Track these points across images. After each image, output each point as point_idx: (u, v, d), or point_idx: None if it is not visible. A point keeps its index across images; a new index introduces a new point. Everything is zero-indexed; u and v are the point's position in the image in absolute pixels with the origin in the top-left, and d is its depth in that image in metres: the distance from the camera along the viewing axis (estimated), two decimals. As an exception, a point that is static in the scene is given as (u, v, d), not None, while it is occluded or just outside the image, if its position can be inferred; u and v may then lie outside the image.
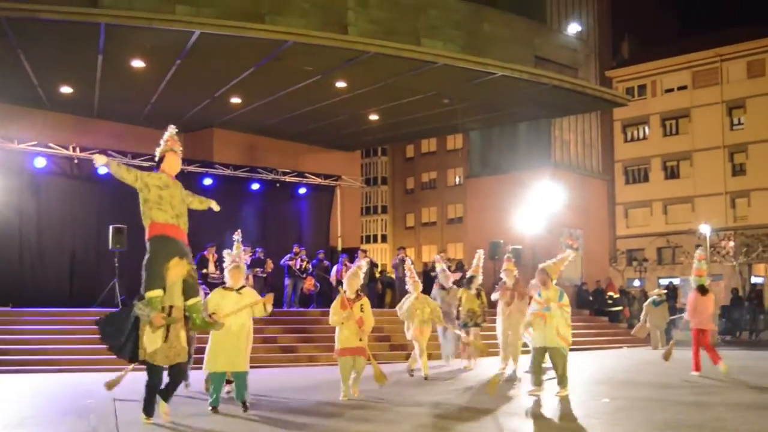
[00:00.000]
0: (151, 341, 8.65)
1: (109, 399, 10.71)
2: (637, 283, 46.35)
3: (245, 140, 26.96)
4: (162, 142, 9.56)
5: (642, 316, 22.70)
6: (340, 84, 22.36)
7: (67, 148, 21.92)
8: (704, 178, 50.80)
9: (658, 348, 21.49)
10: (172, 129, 9.67)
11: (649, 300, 23.28)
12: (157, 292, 8.69)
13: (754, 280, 44.55)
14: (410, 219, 63.60)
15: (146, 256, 8.99)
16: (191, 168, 23.52)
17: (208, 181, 24.00)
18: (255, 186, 25.24)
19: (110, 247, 20.05)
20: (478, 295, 16.28)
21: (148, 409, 8.90)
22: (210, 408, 9.84)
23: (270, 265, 22.46)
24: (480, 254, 16.66)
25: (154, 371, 8.77)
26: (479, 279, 16.44)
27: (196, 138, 26.75)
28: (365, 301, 11.64)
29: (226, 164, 24.58)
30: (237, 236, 11.24)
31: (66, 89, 22.51)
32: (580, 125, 35.18)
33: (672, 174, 53.08)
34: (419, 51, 22.07)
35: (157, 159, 9.43)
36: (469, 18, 29.96)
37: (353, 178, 29.83)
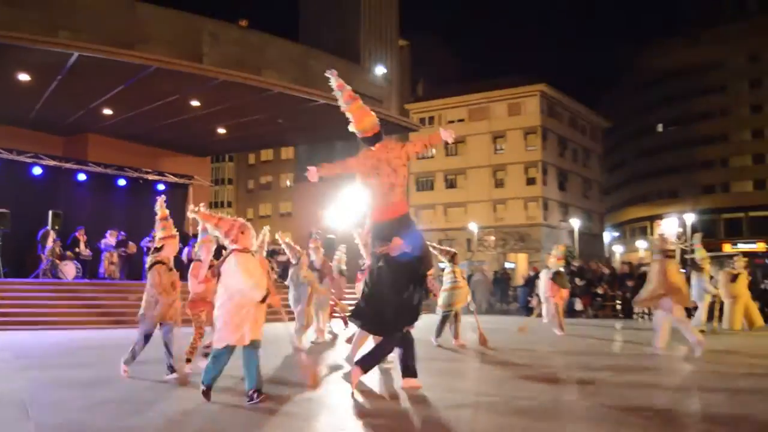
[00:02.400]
0: None
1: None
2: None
3: (115, 144, 25.91)
4: (357, 109, 6.73)
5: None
6: (195, 103, 22.09)
7: (-43, 145, 20.45)
8: (474, 189, 53.48)
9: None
10: (330, 74, 6.77)
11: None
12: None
13: (507, 265, 47.19)
14: (250, 213, 62.81)
15: (420, 236, 6.99)
16: (68, 165, 22.54)
17: (81, 177, 22.99)
18: (122, 182, 24.32)
19: (-6, 228, 18.94)
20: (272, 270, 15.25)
21: (413, 370, 6.88)
22: (205, 387, 6.31)
23: (133, 247, 21.85)
24: (265, 231, 12.97)
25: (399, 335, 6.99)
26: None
27: (74, 141, 25.61)
28: None
29: (98, 163, 23.62)
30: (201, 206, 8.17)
31: (-43, 94, 21.07)
32: (383, 145, 36.09)
33: (451, 185, 55.48)
34: (259, 80, 22.24)
35: (375, 130, 6.80)
36: (301, 57, 30.37)
37: (204, 178, 29.29)
